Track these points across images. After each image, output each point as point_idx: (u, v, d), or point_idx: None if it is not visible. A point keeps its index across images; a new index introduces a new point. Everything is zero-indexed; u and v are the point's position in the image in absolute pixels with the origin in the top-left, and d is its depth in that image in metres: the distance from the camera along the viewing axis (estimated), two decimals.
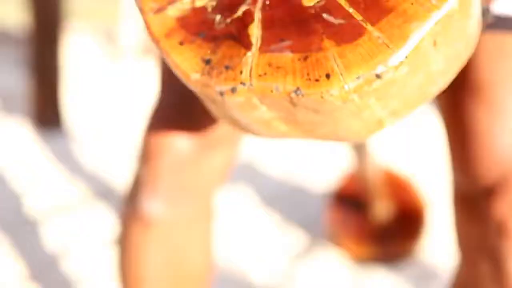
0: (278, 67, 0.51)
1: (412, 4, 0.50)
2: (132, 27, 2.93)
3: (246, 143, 2.14)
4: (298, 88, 0.51)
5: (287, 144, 2.15)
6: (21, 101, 2.49)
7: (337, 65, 0.50)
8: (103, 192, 1.89)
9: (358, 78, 0.50)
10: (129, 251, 0.89)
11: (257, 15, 0.52)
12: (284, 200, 1.90)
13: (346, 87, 0.50)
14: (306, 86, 0.50)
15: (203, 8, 0.54)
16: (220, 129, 0.83)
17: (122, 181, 1.91)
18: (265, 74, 0.52)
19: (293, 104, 0.52)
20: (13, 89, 2.63)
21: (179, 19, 0.54)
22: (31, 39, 2.26)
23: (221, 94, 0.54)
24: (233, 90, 0.53)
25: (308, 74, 0.50)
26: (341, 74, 0.50)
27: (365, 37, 0.50)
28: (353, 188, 1.67)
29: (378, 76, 0.50)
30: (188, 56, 0.54)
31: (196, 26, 0.54)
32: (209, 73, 0.54)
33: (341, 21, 0.50)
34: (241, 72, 0.52)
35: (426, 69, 0.53)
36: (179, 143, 0.82)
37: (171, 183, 0.83)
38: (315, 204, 1.88)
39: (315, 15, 0.51)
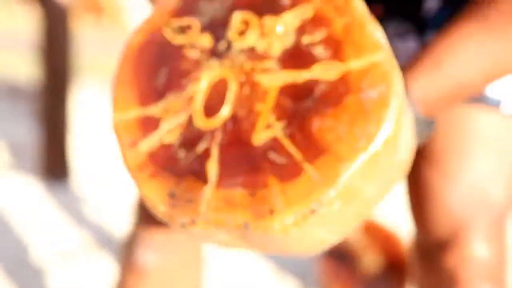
0: (230, 202, 0.57)
1: (343, 145, 0.55)
2: None
3: None
4: (246, 223, 0.57)
5: None
6: (30, 152, 2.58)
7: (279, 201, 0.56)
8: (104, 241, 1.97)
9: (295, 214, 0.56)
10: None
11: (214, 152, 0.59)
12: None
13: (286, 222, 0.56)
14: (254, 220, 0.57)
15: (170, 145, 0.61)
16: None
17: (122, 231, 2.00)
18: (219, 208, 0.58)
19: (244, 234, 0.59)
20: (23, 140, 2.73)
21: (149, 154, 0.61)
22: (41, 93, 2.36)
23: (183, 225, 0.60)
24: (193, 222, 0.59)
25: (255, 210, 0.57)
26: (282, 211, 0.56)
27: (303, 175, 0.56)
28: (343, 240, 1.76)
29: (312, 212, 0.56)
30: (156, 189, 0.60)
31: (164, 161, 0.60)
32: (173, 206, 0.59)
33: (284, 160, 0.57)
34: (199, 206, 0.58)
35: (359, 199, 0.59)
36: None
37: (161, 237, 0.92)
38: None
39: (263, 154, 0.58)
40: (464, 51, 0.72)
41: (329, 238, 0.61)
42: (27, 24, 5.06)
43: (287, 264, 1.92)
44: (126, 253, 0.98)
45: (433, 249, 0.85)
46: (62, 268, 1.83)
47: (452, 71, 0.72)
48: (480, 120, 0.85)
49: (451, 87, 0.73)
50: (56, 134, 2.36)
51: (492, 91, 0.84)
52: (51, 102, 2.35)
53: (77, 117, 2.88)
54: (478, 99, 0.84)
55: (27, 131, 2.85)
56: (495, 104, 0.85)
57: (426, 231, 0.86)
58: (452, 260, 0.83)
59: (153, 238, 0.93)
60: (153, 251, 0.93)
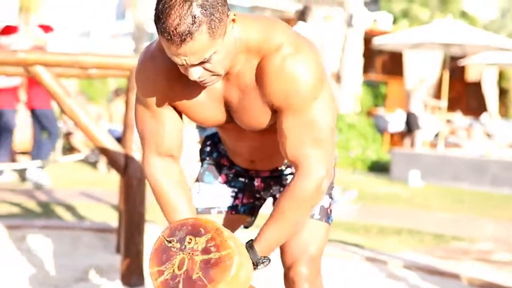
0: None
1: (219, 279, 1.70)
2: None
3: None
4: None
5: None
6: (116, 269, 3.74)
7: None
8: None
9: None
10: None
11: (181, 280, 1.72)
12: None
13: None
14: None
15: (167, 279, 1.74)
16: None
17: None
18: None
19: None
20: (110, 262, 3.91)
21: (161, 282, 1.74)
22: (123, 230, 3.48)
23: None
24: None
25: None
26: None
27: (207, 286, 1.70)
28: None
29: None
30: None
31: (165, 284, 1.73)
32: None
33: (201, 283, 1.71)
34: None
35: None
36: None
37: None
38: None
39: (195, 281, 1.71)
40: (273, 234, 1.88)
41: None
42: (113, 185, 6.41)
43: None
44: None
45: (286, 271, 2.07)
46: None
47: (267, 243, 1.89)
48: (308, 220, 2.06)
49: (268, 247, 1.89)
50: (135, 255, 3.43)
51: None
52: (130, 235, 3.46)
53: (149, 244, 4.05)
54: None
55: (113, 255, 4.05)
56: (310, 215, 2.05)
57: (284, 264, 2.08)
58: (292, 274, 2.05)
59: None
60: None
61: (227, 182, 2.20)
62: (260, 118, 1.87)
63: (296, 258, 2.04)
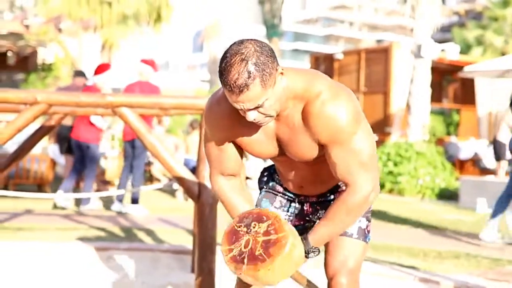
0: (249, 268, 2.20)
1: (276, 254, 2.18)
2: None
3: None
4: (252, 273, 2.19)
5: None
6: (191, 287, 4.17)
7: (261, 267, 2.18)
8: None
9: (264, 269, 2.19)
10: None
11: (246, 256, 2.22)
12: None
13: (262, 271, 2.18)
14: (253, 271, 2.19)
15: (235, 255, 2.23)
16: None
17: None
18: (247, 270, 2.19)
19: (254, 276, 2.20)
20: (186, 280, 4.34)
21: (230, 257, 2.24)
22: (198, 250, 3.92)
23: (237, 274, 2.24)
24: (240, 273, 2.21)
25: (254, 269, 2.19)
26: (261, 269, 2.18)
27: (266, 261, 2.19)
28: None
29: (268, 269, 2.17)
30: (231, 265, 2.22)
31: (234, 259, 2.24)
32: (235, 268, 2.23)
33: (262, 257, 2.19)
34: (242, 269, 2.21)
35: (280, 269, 2.19)
36: None
37: None
38: None
39: (258, 256, 2.20)
40: (325, 230, 2.33)
41: (273, 281, 2.26)
42: (189, 212, 6.87)
43: None
44: None
45: (328, 281, 2.46)
46: None
47: (319, 236, 2.34)
48: (343, 239, 2.46)
49: (319, 239, 2.34)
50: (207, 273, 3.87)
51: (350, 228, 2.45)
52: (203, 255, 3.90)
53: (220, 264, 4.49)
54: (345, 232, 2.44)
55: (189, 274, 4.50)
56: (349, 234, 2.45)
57: (327, 275, 2.47)
58: (333, 284, 2.44)
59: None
60: None
61: (281, 207, 2.62)
62: (307, 151, 2.31)
63: (337, 270, 2.43)
